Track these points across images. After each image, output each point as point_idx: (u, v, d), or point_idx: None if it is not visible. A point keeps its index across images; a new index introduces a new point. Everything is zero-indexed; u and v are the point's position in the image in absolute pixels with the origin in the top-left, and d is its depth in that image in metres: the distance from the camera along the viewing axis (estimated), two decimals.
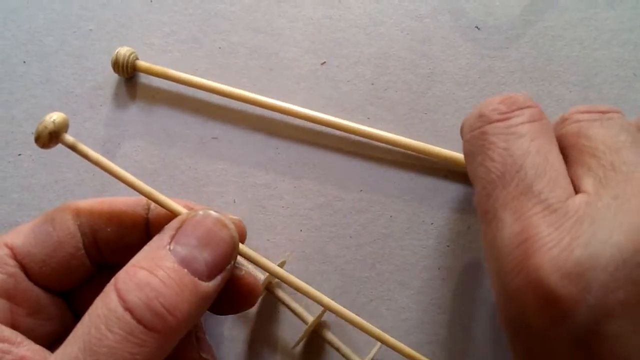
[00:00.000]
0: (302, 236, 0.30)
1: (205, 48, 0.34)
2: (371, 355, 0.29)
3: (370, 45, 0.33)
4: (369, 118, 0.32)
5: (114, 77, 0.33)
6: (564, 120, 0.23)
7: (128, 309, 0.19)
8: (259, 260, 0.25)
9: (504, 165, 0.21)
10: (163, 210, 0.25)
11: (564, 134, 0.23)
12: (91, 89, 0.33)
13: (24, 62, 0.34)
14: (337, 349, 0.29)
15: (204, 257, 0.21)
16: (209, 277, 0.21)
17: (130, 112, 0.33)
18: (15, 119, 0.33)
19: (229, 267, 0.22)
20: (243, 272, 0.25)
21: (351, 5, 0.34)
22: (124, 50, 0.32)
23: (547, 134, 0.22)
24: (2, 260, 0.23)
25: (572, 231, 0.19)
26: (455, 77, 0.33)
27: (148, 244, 0.22)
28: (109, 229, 0.25)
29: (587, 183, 0.20)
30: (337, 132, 0.32)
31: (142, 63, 0.32)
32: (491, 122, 0.22)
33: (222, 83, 0.33)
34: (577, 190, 0.21)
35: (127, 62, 0.32)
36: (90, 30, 0.34)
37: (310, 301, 0.27)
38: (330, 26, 0.34)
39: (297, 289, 0.26)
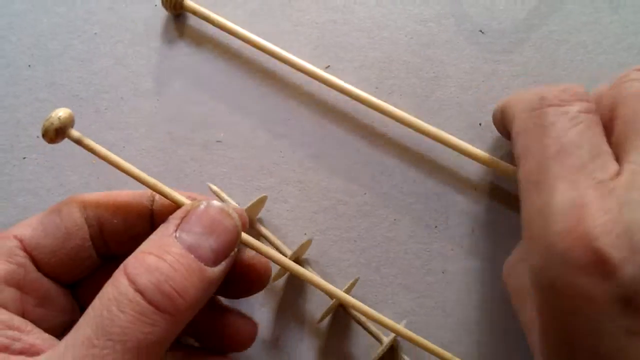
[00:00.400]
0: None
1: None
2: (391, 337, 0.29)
3: (374, 49, 0.33)
4: (373, 122, 0.32)
5: (118, 81, 0.33)
6: (622, 77, 0.24)
7: (139, 291, 0.20)
8: (262, 249, 0.26)
9: (563, 144, 0.22)
10: (167, 202, 0.26)
11: (620, 90, 0.24)
12: (96, 92, 0.33)
13: (29, 65, 0.34)
14: (362, 324, 0.29)
15: (209, 243, 0.22)
16: (215, 262, 0.22)
17: (134, 116, 0.33)
18: (20, 122, 0.33)
19: (232, 253, 0.23)
20: (253, 254, 0.26)
21: (355, 9, 0.34)
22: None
23: (599, 126, 0.23)
24: (12, 251, 0.23)
25: (622, 199, 0.20)
26: (459, 81, 0.33)
27: (154, 233, 0.23)
28: (115, 221, 0.25)
29: (631, 151, 0.22)
30: (341, 135, 0.32)
31: (190, 3, 0.33)
32: (552, 105, 0.23)
33: (224, 85, 0.33)
34: (621, 158, 0.22)
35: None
36: (95, 33, 0.34)
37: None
38: (334, 30, 0.34)
39: (306, 278, 0.27)
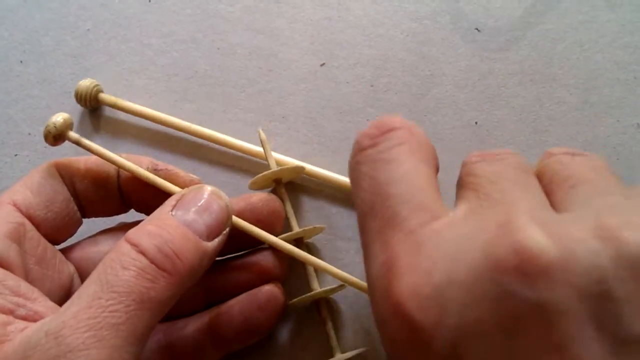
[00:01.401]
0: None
1: (203, 48, 0.33)
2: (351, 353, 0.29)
3: (369, 47, 0.33)
4: (367, 119, 0.32)
5: (112, 77, 0.33)
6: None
7: (141, 251, 0.22)
8: (254, 231, 0.27)
9: (373, 196, 0.21)
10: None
11: (460, 176, 0.22)
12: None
13: (21, 61, 0.33)
14: (325, 325, 0.30)
15: (203, 219, 0.24)
16: (209, 237, 0.24)
17: (127, 112, 0.33)
18: (12, 119, 0.33)
19: (225, 232, 0.25)
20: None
21: (351, 6, 0.33)
22: (86, 83, 0.32)
23: (417, 154, 0.22)
24: (10, 213, 0.25)
25: (433, 255, 0.18)
26: (455, 79, 0.33)
27: (151, 214, 0.24)
28: (85, 181, 0.27)
29: (460, 209, 0.20)
30: (337, 135, 0.32)
31: (105, 96, 0.32)
32: (363, 149, 0.22)
33: (221, 85, 0.33)
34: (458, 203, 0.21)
35: (90, 94, 0.32)
36: (88, 30, 0.34)
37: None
38: (329, 27, 0.33)
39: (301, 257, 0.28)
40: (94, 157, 0.27)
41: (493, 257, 0.17)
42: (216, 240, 0.25)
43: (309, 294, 0.29)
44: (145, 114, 0.32)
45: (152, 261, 0.22)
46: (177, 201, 0.25)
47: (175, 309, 0.24)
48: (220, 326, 0.28)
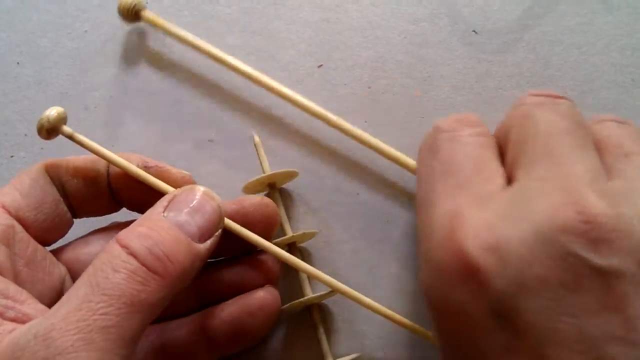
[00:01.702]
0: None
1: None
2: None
3: (367, 49, 0.33)
4: (365, 121, 0.32)
5: (108, 79, 0.33)
6: (516, 102, 0.25)
7: (131, 253, 0.22)
8: (246, 234, 0.27)
9: (447, 164, 0.23)
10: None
11: (513, 114, 0.24)
12: (86, 90, 0.33)
13: (18, 63, 0.33)
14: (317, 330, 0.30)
15: (195, 221, 0.24)
16: (200, 239, 0.24)
17: (124, 115, 0.33)
18: (9, 120, 0.33)
19: (217, 233, 0.25)
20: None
21: (348, 8, 0.33)
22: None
23: (491, 148, 0.24)
24: None
25: (498, 210, 0.20)
26: (452, 81, 0.33)
27: (143, 215, 0.24)
28: (75, 181, 0.27)
29: (519, 170, 0.22)
30: (333, 136, 0.32)
31: (148, 13, 0.32)
32: (444, 130, 0.24)
33: (218, 84, 0.33)
34: (511, 178, 0.22)
35: (133, 8, 0.31)
36: (85, 31, 0.34)
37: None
38: (327, 29, 0.33)
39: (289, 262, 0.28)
40: (83, 156, 0.27)
41: (559, 222, 0.18)
42: (208, 242, 0.24)
43: (300, 299, 0.29)
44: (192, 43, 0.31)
45: (142, 263, 0.21)
46: (169, 202, 0.24)
47: (168, 309, 0.23)
48: (211, 330, 0.27)
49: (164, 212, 0.24)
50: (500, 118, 0.32)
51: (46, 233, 0.26)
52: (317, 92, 0.33)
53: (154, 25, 0.32)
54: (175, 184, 0.27)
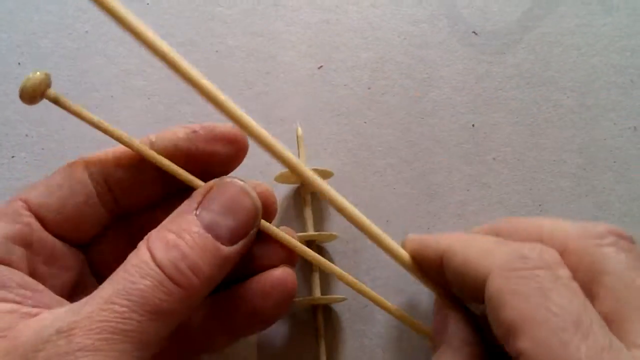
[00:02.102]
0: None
1: (201, 51, 0.33)
2: None
3: (367, 50, 0.33)
4: (365, 122, 0.32)
5: (109, 80, 0.33)
6: (594, 239, 0.22)
7: (158, 265, 0.21)
8: (279, 235, 0.26)
9: (574, 316, 0.20)
10: (165, 145, 0.26)
11: (599, 259, 0.22)
12: (86, 91, 0.33)
13: (19, 63, 0.33)
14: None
15: (226, 223, 0.23)
16: (231, 242, 0.23)
17: (125, 115, 0.33)
18: (9, 120, 0.33)
19: (251, 232, 0.24)
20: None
21: (348, 9, 0.34)
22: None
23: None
24: (18, 212, 0.24)
25: None
26: (452, 82, 0.33)
27: (179, 207, 0.24)
28: (119, 172, 0.26)
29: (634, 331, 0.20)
30: (334, 138, 0.32)
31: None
32: (540, 267, 0.21)
33: (219, 88, 0.33)
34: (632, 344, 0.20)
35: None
36: (86, 32, 0.34)
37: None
38: (327, 30, 0.33)
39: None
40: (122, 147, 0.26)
41: None
42: (240, 242, 0.24)
43: (308, 297, 0.29)
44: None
45: (167, 276, 0.21)
46: (204, 197, 0.24)
47: None
48: (226, 310, 0.27)
49: (197, 208, 0.23)
50: (499, 120, 0.32)
51: (70, 232, 0.26)
52: (317, 93, 0.33)
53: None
54: (225, 138, 0.26)
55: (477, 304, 0.23)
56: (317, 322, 0.30)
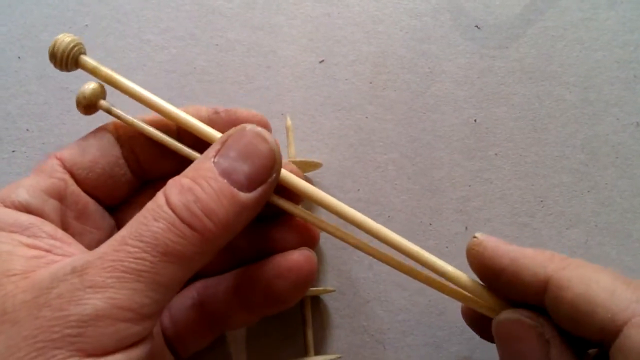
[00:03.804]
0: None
1: (202, 45, 0.33)
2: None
3: (369, 44, 0.33)
4: (367, 117, 0.32)
5: None
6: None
7: (171, 208, 0.21)
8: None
9: None
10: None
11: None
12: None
13: (19, 57, 0.33)
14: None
15: (243, 169, 0.23)
16: (249, 188, 0.23)
17: (124, 109, 0.32)
18: (10, 115, 0.32)
19: (270, 179, 0.23)
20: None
21: (350, 3, 0.33)
22: (67, 39, 0.26)
23: None
24: (54, 168, 0.25)
25: None
26: (454, 77, 0.32)
27: (199, 157, 0.24)
28: (142, 139, 0.27)
29: None
30: (335, 133, 0.32)
31: (87, 60, 0.26)
32: None
33: (219, 82, 0.33)
34: None
35: (69, 54, 0.26)
36: (86, 25, 0.33)
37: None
38: (328, 24, 0.33)
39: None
40: (152, 114, 0.27)
41: None
42: (259, 189, 0.23)
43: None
44: (138, 96, 0.26)
45: (180, 218, 0.21)
46: (222, 145, 0.23)
47: (208, 266, 0.23)
48: (244, 290, 0.27)
49: (215, 156, 0.23)
50: (501, 115, 0.32)
51: (99, 191, 0.26)
52: (319, 87, 0.33)
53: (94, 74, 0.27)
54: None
55: (586, 340, 0.22)
56: (304, 314, 0.30)
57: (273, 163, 0.23)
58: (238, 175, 0.23)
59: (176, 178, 0.23)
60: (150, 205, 0.22)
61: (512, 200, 0.31)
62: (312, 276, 0.27)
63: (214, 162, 0.23)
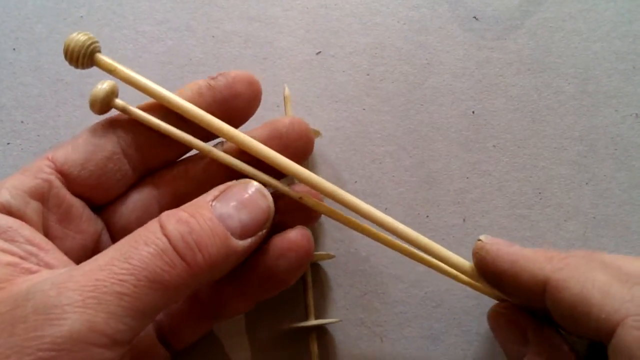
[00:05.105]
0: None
1: (198, 36, 0.33)
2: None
3: (366, 35, 0.33)
4: (364, 109, 0.32)
5: None
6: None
7: (166, 235, 0.22)
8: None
9: None
10: (189, 95, 0.27)
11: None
12: (82, 77, 0.33)
13: (14, 49, 0.33)
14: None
15: (240, 216, 0.23)
16: (241, 236, 0.23)
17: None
18: (4, 107, 0.32)
19: (260, 233, 0.24)
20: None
21: None
22: (82, 37, 0.26)
23: None
24: (40, 169, 0.25)
25: None
26: (452, 68, 0.32)
27: (194, 199, 0.24)
28: (142, 129, 0.26)
29: None
30: (332, 125, 0.32)
31: (102, 58, 0.26)
32: None
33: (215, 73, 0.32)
34: None
35: (86, 52, 0.26)
36: (81, 17, 0.33)
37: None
38: (325, 15, 0.33)
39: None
40: (149, 101, 0.27)
41: None
42: (249, 239, 0.24)
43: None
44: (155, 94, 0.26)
45: (173, 246, 0.21)
46: (221, 192, 0.24)
47: None
48: (240, 274, 0.27)
49: (213, 201, 0.24)
50: (500, 106, 0.32)
51: (92, 190, 0.26)
52: (316, 79, 0.32)
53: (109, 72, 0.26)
54: (243, 79, 0.27)
55: (581, 338, 0.23)
56: (305, 280, 0.30)
57: (267, 219, 0.25)
58: (234, 222, 0.23)
59: (173, 210, 0.23)
60: (142, 230, 0.22)
61: (510, 192, 0.31)
62: (310, 254, 0.27)
63: (211, 205, 0.23)
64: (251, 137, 0.26)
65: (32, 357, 0.19)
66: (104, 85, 0.25)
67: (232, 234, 0.23)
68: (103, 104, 0.25)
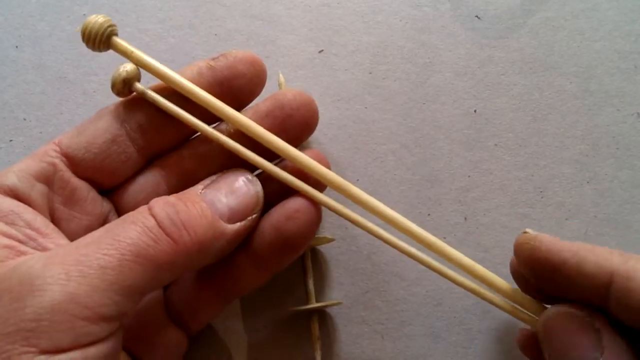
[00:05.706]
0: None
1: (201, 34, 0.33)
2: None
3: (368, 34, 0.33)
4: (366, 107, 0.32)
5: (107, 63, 0.33)
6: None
7: (153, 215, 0.22)
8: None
9: None
10: (190, 76, 0.27)
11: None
12: (84, 74, 0.33)
13: (16, 46, 0.33)
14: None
15: (228, 201, 0.24)
16: (230, 219, 0.24)
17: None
18: (7, 104, 0.32)
19: (250, 218, 0.25)
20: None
21: None
22: (100, 20, 0.25)
23: None
24: (46, 152, 0.25)
25: None
26: (454, 67, 0.32)
27: (186, 189, 0.25)
28: (145, 111, 0.27)
29: None
30: (334, 123, 0.32)
31: (119, 41, 0.26)
32: None
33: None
34: None
35: (103, 34, 0.25)
36: (84, 15, 0.33)
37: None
38: (328, 14, 0.33)
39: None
40: (158, 83, 0.27)
41: None
42: (238, 224, 0.24)
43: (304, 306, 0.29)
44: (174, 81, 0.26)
45: (159, 224, 0.22)
46: (212, 181, 0.25)
47: None
48: (253, 242, 0.26)
49: (203, 189, 0.24)
50: (501, 105, 0.32)
51: (97, 173, 0.26)
52: (318, 77, 0.32)
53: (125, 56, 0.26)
54: (245, 59, 0.27)
55: None
56: (304, 264, 0.30)
57: (256, 205, 0.25)
58: (222, 205, 0.24)
59: (163, 196, 0.24)
60: (131, 212, 0.23)
61: (511, 191, 0.31)
62: (319, 217, 0.27)
63: (200, 191, 0.24)
64: (255, 110, 0.27)
65: (15, 327, 0.19)
66: (127, 67, 0.26)
67: (221, 217, 0.24)
68: (123, 87, 0.26)
